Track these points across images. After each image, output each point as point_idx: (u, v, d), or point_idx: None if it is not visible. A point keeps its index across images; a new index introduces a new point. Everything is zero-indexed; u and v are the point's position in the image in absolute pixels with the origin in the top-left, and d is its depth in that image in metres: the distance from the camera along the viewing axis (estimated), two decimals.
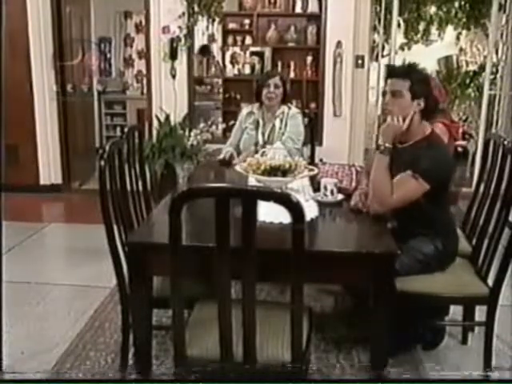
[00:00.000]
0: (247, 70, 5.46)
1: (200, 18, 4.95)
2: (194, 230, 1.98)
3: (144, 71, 6.17)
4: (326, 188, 2.38)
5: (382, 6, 5.43)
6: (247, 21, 5.40)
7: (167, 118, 4.93)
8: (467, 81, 7.30)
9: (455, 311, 2.59)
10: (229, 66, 5.58)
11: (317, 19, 5.15)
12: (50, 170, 5.38)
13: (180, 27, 4.91)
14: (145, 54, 5.38)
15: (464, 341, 2.61)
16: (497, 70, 5.97)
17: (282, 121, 3.32)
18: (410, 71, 2.23)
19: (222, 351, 1.59)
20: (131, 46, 7.73)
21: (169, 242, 1.49)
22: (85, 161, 5.80)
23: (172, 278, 1.54)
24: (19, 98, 4.89)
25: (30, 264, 3.58)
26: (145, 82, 5.91)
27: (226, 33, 5.50)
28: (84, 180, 5.70)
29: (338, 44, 4.94)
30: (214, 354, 1.63)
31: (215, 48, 5.62)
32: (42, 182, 5.37)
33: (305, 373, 1.71)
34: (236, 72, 5.56)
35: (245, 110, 3.52)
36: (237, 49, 5.49)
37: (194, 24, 4.96)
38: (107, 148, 2.08)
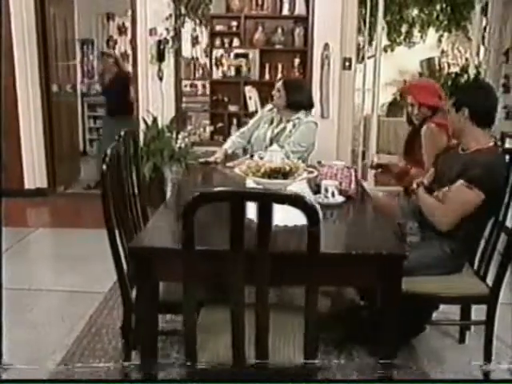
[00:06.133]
0: (234, 72, 5.44)
1: (187, 20, 4.94)
2: (202, 234, 1.96)
3: None
4: (326, 190, 2.38)
5: (367, 8, 5.47)
6: (234, 23, 5.38)
7: (154, 120, 4.89)
8: (449, 82, 7.40)
9: (452, 310, 2.62)
10: (215, 68, 5.56)
11: (304, 21, 5.17)
12: (34, 173, 5.29)
13: (167, 29, 4.89)
14: (132, 56, 5.32)
15: (462, 340, 2.64)
16: (479, 72, 6.08)
17: (294, 126, 3.37)
18: None
19: (235, 355, 1.58)
20: (114, 48, 7.65)
21: (182, 247, 1.47)
22: (69, 164, 5.72)
23: (185, 284, 1.52)
24: (3, 100, 4.80)
25: (20, 270, 3.49)
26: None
27: (213, 35, 5.46)
28: (69, 184, 5.63)
29: (326, 46, 4.97)
30: (225, 359, 1.62)
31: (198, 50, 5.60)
32: (27, 186, 5.27)
33: (316, 374, 1.71)
34: (222, 74, 5.53)
35: (268, 106, 3.62)
36: (224, 51, 5.47)
37: (181, 26, 4.95)
38: (108, 152, 2.05)
